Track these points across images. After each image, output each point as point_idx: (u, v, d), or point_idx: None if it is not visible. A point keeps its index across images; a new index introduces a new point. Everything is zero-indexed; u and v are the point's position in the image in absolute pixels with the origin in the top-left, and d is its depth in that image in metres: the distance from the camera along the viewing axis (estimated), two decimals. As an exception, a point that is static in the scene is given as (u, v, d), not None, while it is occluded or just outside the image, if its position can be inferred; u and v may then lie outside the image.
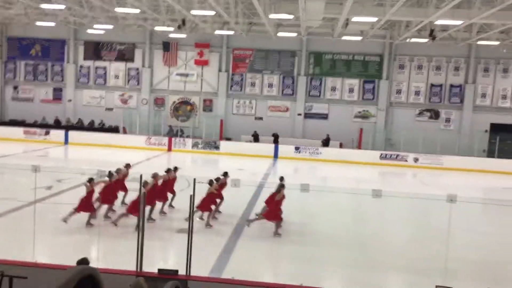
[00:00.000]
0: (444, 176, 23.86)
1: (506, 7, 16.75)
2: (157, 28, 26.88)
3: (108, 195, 11.62)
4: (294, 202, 14.70)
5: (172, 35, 28.58)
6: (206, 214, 11.63)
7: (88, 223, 10.89)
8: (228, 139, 29.42)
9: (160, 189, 12.05)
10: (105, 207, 11.60)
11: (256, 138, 28.53)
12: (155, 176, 11.81)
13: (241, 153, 26.27)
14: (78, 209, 10.69)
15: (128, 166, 13.16)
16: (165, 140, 27.95)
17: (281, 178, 12.46)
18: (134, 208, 10.07)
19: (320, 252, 10.27)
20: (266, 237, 11.04)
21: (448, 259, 8.07)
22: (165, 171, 12.82)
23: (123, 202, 12.47)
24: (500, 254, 10.72)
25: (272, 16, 20.70)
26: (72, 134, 28.14)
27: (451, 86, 29.31)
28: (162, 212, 12.34)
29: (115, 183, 11.96)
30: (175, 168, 13.28)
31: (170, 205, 12.84)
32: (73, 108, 31.76)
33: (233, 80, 30.66)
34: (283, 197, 11.31)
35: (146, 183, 10.43)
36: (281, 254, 10.14)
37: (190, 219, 6.80)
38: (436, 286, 5.79)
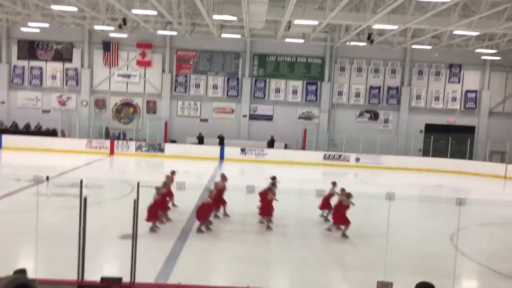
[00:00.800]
0: (384, 175, 24.89)
1: (437, 13, 17.79)
2: (97, 27, 26.05)
3: (165, 203, 12.06)
4: (240, 203, 14.75)
5: (112, 35, 27.79)
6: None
7: (153, 229, 11.04)
8: (173, 141, 29.02)
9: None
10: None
11: (201, 140, 28.34)
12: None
13: (187, 156, 26.02)
14: (148, 218, 10.83)
15: (173, 173, 13.69)
16: (107, 143, 27.10)
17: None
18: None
19: (268, 253, 10.37)
20: (213, 239, 11.00)
21: (388, 254, 8.42)
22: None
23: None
24: (435, 247, 11.32)
25: (216, 17, 20.72)
26: (6, 138, 26.59)
27: (389, 88, 30.65)
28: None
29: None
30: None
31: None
32: (7, 111, 30.03)
33: (177, 81, 30.29)
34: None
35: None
36: (229, 256, 10.13)
37: (134, 225, 6.63)
38: (378, 282, 6.02)
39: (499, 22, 19.47)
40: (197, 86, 30.34)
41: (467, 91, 30.78)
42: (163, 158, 26.46)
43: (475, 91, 30.78)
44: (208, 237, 11.11)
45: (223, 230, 11.86)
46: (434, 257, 10.50)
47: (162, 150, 27.04)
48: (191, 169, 22.00)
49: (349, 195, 11.91)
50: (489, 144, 28.75)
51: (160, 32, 26.69)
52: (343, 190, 12.48)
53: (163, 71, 30.31)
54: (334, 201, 12.66)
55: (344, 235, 11.57)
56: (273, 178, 13.33)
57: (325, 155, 27.33)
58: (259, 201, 12.42)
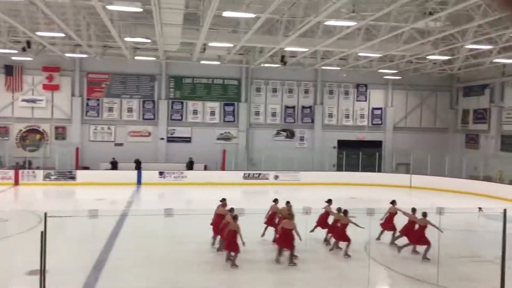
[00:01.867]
0: (302, 191, 25.58)
1: (343, 36, 18.97)
2: (-3, 50, 24.24)
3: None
4: (160, 228, 14.33)
5: (15, 58, 26.04)
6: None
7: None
8: (85, 168, 27.56)
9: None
10: None
11: (114, 165, 27.19)
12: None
13: (101, 182, 24.81)
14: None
15: (223, 200, 13.22)
16: (11, 173, 25.05)
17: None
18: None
19: (189, 277, 10.12)
20: (129, 269, 10.52)
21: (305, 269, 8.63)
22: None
23: None
24: (349, 258, 11.77)
25: (128, 39, 20.27)
26: None
27: (303, 107, 31.88)
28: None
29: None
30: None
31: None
32: None
33: (89, 105, 29.00)
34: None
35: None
36: (149, 285, 9.72)
37: (42, 260, 6.14)
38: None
39: (397, 44, 21.21)
40: (111, 109, 29.26)
41: (373, 109, 32.93)
42: (74, 186, 24.99)
43: (381, 108, 33.03)
44: (123, 267, 10.60)
45: (136, 261, 11.38)
46: (350, 266, 10.92)
47: (73, 177, 25.55)
48: (106, 196, 21.02)
49: (346, 213, 11.88)
50: (395, 157, 30.89)
51: (68, 54, 25.52)
52: (339, 209, 12.43)
53: (73, 95, 28.88)
54: (330, 220, 12.68)
55: (346, 254, 11.51)
56: (287, 203, 13.01)
57: (244, 174, 27.58)
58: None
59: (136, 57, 26.66)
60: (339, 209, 12.60)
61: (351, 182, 27.21)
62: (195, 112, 30.35)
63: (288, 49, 22.56)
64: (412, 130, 33.41)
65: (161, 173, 26.42)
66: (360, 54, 23.85)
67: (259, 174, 27.70)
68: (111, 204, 19.90)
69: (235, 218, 11.08)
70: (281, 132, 31.78)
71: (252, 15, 15.86)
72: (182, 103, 30.18)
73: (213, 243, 12.50)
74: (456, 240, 13.85)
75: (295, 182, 27.38)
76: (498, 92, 29.47)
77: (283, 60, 25.46)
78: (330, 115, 32.29)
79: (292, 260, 10.73)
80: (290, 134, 31.89)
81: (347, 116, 32.55)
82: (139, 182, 25.86)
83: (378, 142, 32.78)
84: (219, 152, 29.86)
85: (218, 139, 30.71)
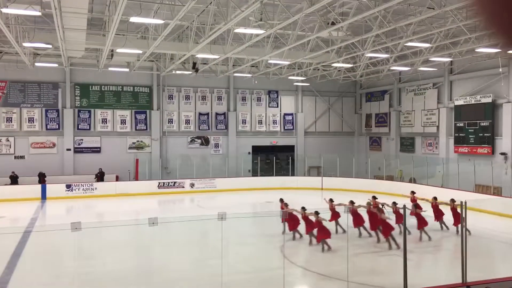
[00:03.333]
0: (218, 198, 25.62)
1: (253, 44, 19.40)
2: None
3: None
4: (67, 244, 13.51)
5: None
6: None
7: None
8: (-19, 184, 25.13)
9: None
10: None
11: (14, 179, 25.13)
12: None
13: (0, 198, 22.74)
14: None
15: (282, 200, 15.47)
16: None
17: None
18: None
19: None
20: (39, 286, 9.79)
21: (224, 273, 8.65)
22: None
23: None
24: (267, 260, 12.04)
25: (27, 44, 18.94)
26: None
27: (217, 114, 31.99)
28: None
29: None
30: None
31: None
32: None
33: (-17, 116, 26.53)
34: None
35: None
36: None
37: None
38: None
39: (304, 52, 22.16)
40: (9, 120, 27.01)
41: (285, 114, 34.01)
42: (-31, 204, 22.64)
43: (292, 114, 34.21)
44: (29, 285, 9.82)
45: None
46: (267, 269, 11.15)
47: (-33, 195, 23.14)
48: (6, 214, 19.33)
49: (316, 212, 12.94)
50: (306, 160, 32.15)
51: (-43, 60, 23.21)
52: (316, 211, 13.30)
53: (-35, 104, 26.28)
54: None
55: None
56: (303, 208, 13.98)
57: (159, 183, 26.94)
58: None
59: (36, 64, 24.95)
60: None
61: (266, 186, 27.76)
62: (104, 121, 29.06)
63: (199, 56, 22.55)
64: (321, 134, 35.02)
65: (68, 186, 24.87)
66: (270, 61, 24.54)
67: (174, 182, 27.22)
68: (12, 221, 18.34)
69: (316, 213, 12.94)
70: (196, 140, 31.58)
71: (160, 21, 15.64)
72: (89, 111, 28.75)
73: (293, 238, 13.90)
74: (362, 236, 14.70)
75: (211, 189, 27.31)
76: (396, 98, 31.99)
77: (194, 67, 25.40)
78: (244, 122, 32.76)
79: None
80: (205, 141, 31.80)
81: (260, 122, 33.23)
82: (43, 197, 24.10)
83: (291, 147, 33.91)
84: (132, 162, 28.90)
85: (130, 148, 29.72)
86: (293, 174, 30.85)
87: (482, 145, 24.67)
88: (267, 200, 23.81)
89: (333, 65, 26.14)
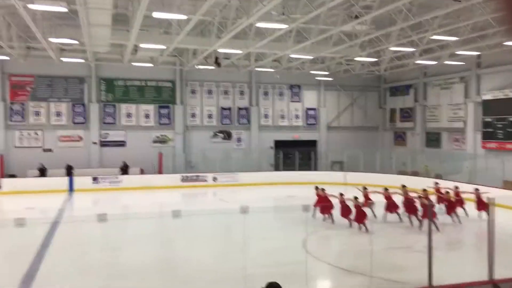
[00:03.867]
0: (241, 192, 25.73)
1: (275, 38, 19.34)
2: None
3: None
4: (94, 235, 13.85)
5: None
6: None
7: None
8: (12, 175, 25.92)
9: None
10: None
11: (42, 171, 25.78)
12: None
13: (29, 190, 23.42)
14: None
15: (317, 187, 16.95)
16: None
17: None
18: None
19: (130, 284, 9.85)
20: (63, 279, 10.05)
21: (247, 267, 8.71)
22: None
23: None
24: (289, 254, 12.06)
25: (53, 40, 19.33)
26: None
27: (239, 108, 32.07)
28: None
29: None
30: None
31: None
32: None
33: (13, 110, 27.28)
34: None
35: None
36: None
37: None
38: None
39: (327, 47, 21.96)
40: (37, 114, 27.72)
41: (307, 109, 33.84)
42: (0, 195, 23.39)
43: (314, 109, 34.01)
44: (56, 274, 10.10)
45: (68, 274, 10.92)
46: (289, 263, 11.17)
47: (-2, 187, 23.89)
48: (35, 205, 19.89)
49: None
50: (329, 155, 31.93)
51: (-12, 56, 23.89)
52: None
53: (-5, 99, 27.07)
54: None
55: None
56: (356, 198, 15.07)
57: (182, 177, 27.23)
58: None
59: (63, 59, 25.47)
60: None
61: (288, 181, 27.72)
62: (128, 115, 29.53)
63: (221, 50, 22.61)
64: (344, 129, 34.70)
65: (94, 179, 25.41)
66: (292, 56, 24.41)
67: (197, 176, 27.47)
68: (41, 212, 18.86)
69: (356, 198, 14.45)
70: (218, 134, 31.76)
71: (183, 17, 15.74)
72: (114, 106, 29.24)
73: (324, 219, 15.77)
74: (387, 231, 14.58)
75: (233, 183, 27.45)
76: (421, 92, 31.41)
77: (217, 62, 25.48)
78: (266, 116, 32.75)
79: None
80: (227, 136, 31.95)
81: (282, 117, 33.18)
82: (71, 189, 24.71)
83: (313, 142, 33.73)
84: (156, 156, 29.29)
85: (154, 142, 30.12)
86: (315, 169, 30.71)
87: (511, 141, 24.04)
88: (289, 194, 23.82)
89: (356, 59, 25.82)
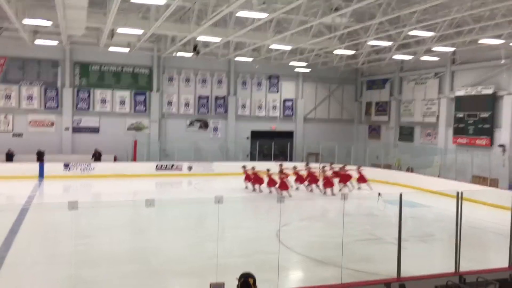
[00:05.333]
0: (216, 181, 25.66)
1: (255, 28, 19.23)
2: None
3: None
4: (64, 223, 13.58)
5: None
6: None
7: None
8: (-21, 160, 25.16)
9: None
10: None
11: (9, 156, 25.07)
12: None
13: (-3, 176, 22.77)
14: None
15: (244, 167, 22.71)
16: None
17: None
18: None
19: (101, 272, 9.72)
20: (30, 267, 9.85)
21: (219, 256, 8.69)
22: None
23: None
24: (262, 244, 12.12)
25: (27, 21, 18.72)
26: None
27: (216, 97, 31.86)
28: None
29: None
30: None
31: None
32: None
33: (-19, 93, 26.40)
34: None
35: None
36: (54, 280, 9.18)
37: None
38: (210, 284, 6.15)
39: (306, 38, 21.98)
40: (7, 97, 26.86)
41: (285, 100, 33.88)
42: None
43: (292, 100, 34.08)
44: (24, 263, 9.89)
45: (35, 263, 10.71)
46: (261, 253, 11.23)
47: (-36, 172, 23.14)
48: (3, 191, 19.38)
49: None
50: (305, 147, 32.13)
51: (-44, 35, 22.98)
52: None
53: (-37, 80, 26.12)
54: None
55: None
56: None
57: (157, 165, 26.95)
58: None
59: (36, 41, 24.73)
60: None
61: (264, 171, 27.72)
62: (103, 101, 28.96)
63: (200, 38, 22.34)
64: (321, 121, 34.95)
65: (66, 165, 24.89)
66: (272, 46, 24.34)
67: (172, 165, 27.23)
68: (9, 199, 18.41)
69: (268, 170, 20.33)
70: (195, 123, 31.53)
71: (162, 2, 15.46)
72: (89, 91, 28.63)
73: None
74: (358, 224, 14.80)
75: (209, 173, 27.34)
76: (397, 86, 31.85)
77: (195, 50, 25.20)
78: (244, 106, 32.66)
79: None
80: (204, 125, 31.75)
81: (259, 107, 33.14)
82: (41, 175, 24.14)
83: (290, 133, 33.87)
84: (130, 143, 28.91)
85: (129, 129, 29.68)
86: (291, 160, 30.85)
87: (481, 137, 24.67)
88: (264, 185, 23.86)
89: (335, 51, 25.95)
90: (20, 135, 27.12)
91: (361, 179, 22.60)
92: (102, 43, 24.69)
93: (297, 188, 21.75)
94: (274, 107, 33.54)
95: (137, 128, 29.90)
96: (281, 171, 20.70)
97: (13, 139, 26.74)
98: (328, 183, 20.71)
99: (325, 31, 21.21)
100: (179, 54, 27.38)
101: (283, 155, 31.06)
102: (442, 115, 27.64)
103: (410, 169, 26.97)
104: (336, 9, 16.77)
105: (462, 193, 8.39)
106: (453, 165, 24.75)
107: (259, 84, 33.12)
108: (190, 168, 27.39)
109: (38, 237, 12.40)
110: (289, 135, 33.64)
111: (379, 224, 15.22)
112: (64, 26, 19.50)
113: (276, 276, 8.35)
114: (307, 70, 32.41)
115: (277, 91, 33.65)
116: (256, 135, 32.34)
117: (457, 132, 26.21)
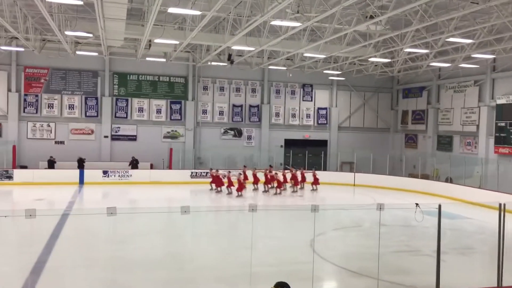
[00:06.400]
0: (249, 189, 25.65)
1: (289, 37, 19.28)
2: None
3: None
4: (102, 228, 13.96)
5: None
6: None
7: None
8: (23, 166, 26.23)
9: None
10: None
11: (51, 164, 26.01)
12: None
13: (40, 182, 23.69)
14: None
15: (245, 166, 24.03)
16: None
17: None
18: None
19: (133, 277, 9.90)
20: (70, 270, 10.15)
21: (253, 264, 8.70)
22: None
23: None
24: (295, 254, 12.03)
25: (68, 33, 19.49)
26: None
27: (250, 106, 32.07)
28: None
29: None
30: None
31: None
32: None
33: (26, 101, 27.60)
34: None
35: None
36: (91, 283, 9.43)
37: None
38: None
39: (341, 46, 21.84)
40: (50, 106, 28.00)
41: (318, 109, 33.71)
42: (11, 186, 23.70)
43: (326, 108, 33.86)
44: (64, 265, 10.19)
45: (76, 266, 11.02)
46: (295, 263, 11.14)
47: (10, 177, 24.18)
48: (46, 196, 20.11)
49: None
50: (339, 155, 31.77)
51: (3, 47, 24.15)
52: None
53: (9, 90, 27.37)
54: None
55: None
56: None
57: (192, 173, 27.31)
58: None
59: (77, 52, 25.69)
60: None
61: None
62: (140, 109, 29.71)
63: (234, 47, 22.60)
64: (355, 130, 34.53)
65: (105, 172, 25.61)
66: (305, 54, 24.33)
67: (207, 173, 27.46)
68: (51, 204, 19.09)
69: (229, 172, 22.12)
70: (229, 131, 31.80)
71: (198, 13, 15.75)
72: (127, 100, 29.44)
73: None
74: (395, 235, 14.48)
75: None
76: (435, 94, 31.10)
77: (230, 59, 25.48)
78: (277, 115, 32.71)
79: None
80: (238, 133, 31.98)
81: (293, 116, 33.11)
82: (81, 181, 24.93)
83: (324, 142, 33.60)
84: (166, 151, 29.43)
85: (165, 137, 30.26)
86: (325, 169, 30.58)
87: (524, 146, 23.71)
88: (298, 194, 23.75)
89: (370, 59, 25.65)
90: (62, 142, 28.15)
91: (315, 181, 25.15)
92: (139, 53, 25.38)
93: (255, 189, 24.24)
94: (308, 116, 33.41)
95: (173, 136, 30.45)
96: (243, 172, 23.57)
97: (55, 146, 27.78)
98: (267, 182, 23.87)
99: (360, 39, 21.00)
100: (214, 63, 27.77)
101: (317, 164, 30.83)
102: (483, 124, 26.75)
103: (449, 180, 26.18)
104: (371, 17, 16.60)
105: (505, 205, 8.09)
106: (494, 176, 23.84)
107: (292, 92, 33.12)
108: (224, 176, 27.51)
109: (78, 241, 12.76)
110: (323, 143, 33.39)
111: (416, 236, 14.83)
112: (103, 38, 20.17)
113: (310, 287, 8.27)
114: (341, 78, 32.16)
115: (311, 100, 33.53)
116: (289, 144, 32.28)
117: (499, 141, 25.29)
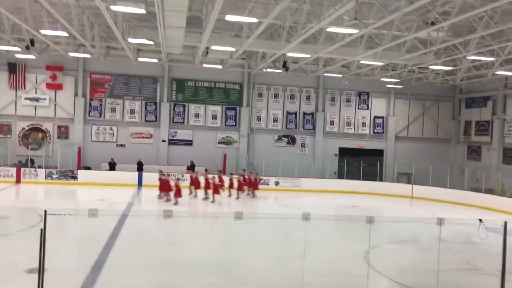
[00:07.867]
0: (302, 197, 25.53)
1: (345, 44, 19.01)
2: (1, 48, 24.33)
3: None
4: (159, 230, 14.34)
5: (19, 56, 26.12)
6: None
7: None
8: (87, 168, 27.60)
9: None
10: None
11: (112, 166, 27.16)
12: None
13: (102, 183, 24.83)
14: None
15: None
16: (13, 171, 25.09)
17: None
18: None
19: (186, 279, 10.08)
20: (128, 270, 10.50)
21: (305, 274, 8.60)
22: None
23: None
24: (349, 265, 11.75)
25: (131, 40, 20.35)
26: None
27: (304, 113, 31.90)
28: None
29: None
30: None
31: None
32: None
33: (91, 106, 29.10)
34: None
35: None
36: (147, 284, 9.70)
37: (41, 258, 6.13)
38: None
39: (399, 53, 21.24)
40: (113, 110, 29.35)
41: (375, 117, 32.93)
42: (76, 185, 24.99)
43: (382, 117, 33.03)
44: (122, 264, 10.58)
45: (133, 265, 11.37)
46: (348, 275, 10.88)
47: (75, 177, 25.55)
48: (107, 197, 21.00)
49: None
50: (396, 166, 30.81)
51: (72, 54, 25.62)
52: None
53: (76, 94, 28.99)
54: None
55: None
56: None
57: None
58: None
59: (139, 59, 26.77)
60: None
61: (352, 190, 27.13)
62: (196, 115, 30.43)
63: (290, 55, 22.60)
64: (414, 140, 33.39)
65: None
66: (362, 62, 23.88)
67: (260, 179, 27.56)
68: (112, 204, 19.89)
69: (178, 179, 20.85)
70: (283, 138, 31.80)
71: (254, 20, 15.92)
72: (184, 106, 30.26)
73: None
74: (456, 251, 13.80)
75: (296, 189, 27.33)
76: (501, 105, 29.46)
77: (285, 66, 25.51)
78: (332, 123, 32.31)
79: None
80: (291, 140, 31.89)
81: (348, 124, 32.56)
82: (140, 183, 25.86)
83: (380, 151, 32.75)
84: (220, 156, 29.87)
85: (219, 143, 30.76)
86: (381, 180, 29.77)
87: None
88: (353, 204, 23.27)
89: (430, 67, 24.74)
90: (123, 145, 29.40)
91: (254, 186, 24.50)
92: (197, 60, 26.03)
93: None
94: (364, 124, 32.74)
95: (227, 142, 30.88)
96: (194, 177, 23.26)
97: (116, 149, 29.06)
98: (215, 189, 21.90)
99: (420, 46, 20.31)
100: (269, 70, 27.93)
101: (372, 174, 30.06)
102: (554, 136, 24.98)
103: (515, 195, 24.62)
104: (433, 23, 16.01)
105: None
106: None
107: (348, 100, 32.61)
108: (277, 183, 27.58)
109: (135, 242, 13.18)
110: (379, 153, 32.54)
111: (479, 254, 14.06)
112: (163, 45, 20.88)
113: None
114: (400, 86, 31.25)
115: (367, 108, 32.84)
116: (344, 152, 31.74)
117: None
